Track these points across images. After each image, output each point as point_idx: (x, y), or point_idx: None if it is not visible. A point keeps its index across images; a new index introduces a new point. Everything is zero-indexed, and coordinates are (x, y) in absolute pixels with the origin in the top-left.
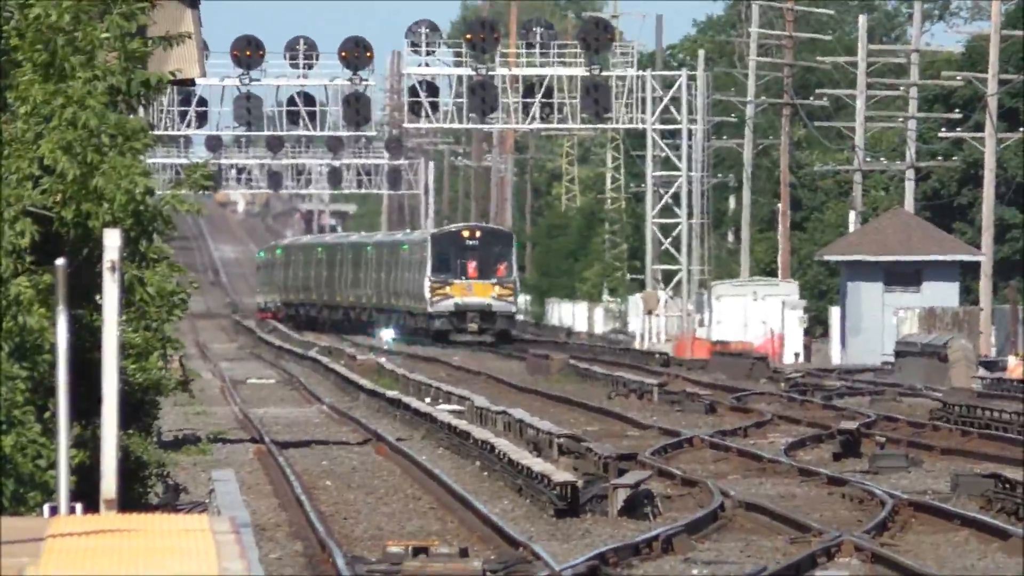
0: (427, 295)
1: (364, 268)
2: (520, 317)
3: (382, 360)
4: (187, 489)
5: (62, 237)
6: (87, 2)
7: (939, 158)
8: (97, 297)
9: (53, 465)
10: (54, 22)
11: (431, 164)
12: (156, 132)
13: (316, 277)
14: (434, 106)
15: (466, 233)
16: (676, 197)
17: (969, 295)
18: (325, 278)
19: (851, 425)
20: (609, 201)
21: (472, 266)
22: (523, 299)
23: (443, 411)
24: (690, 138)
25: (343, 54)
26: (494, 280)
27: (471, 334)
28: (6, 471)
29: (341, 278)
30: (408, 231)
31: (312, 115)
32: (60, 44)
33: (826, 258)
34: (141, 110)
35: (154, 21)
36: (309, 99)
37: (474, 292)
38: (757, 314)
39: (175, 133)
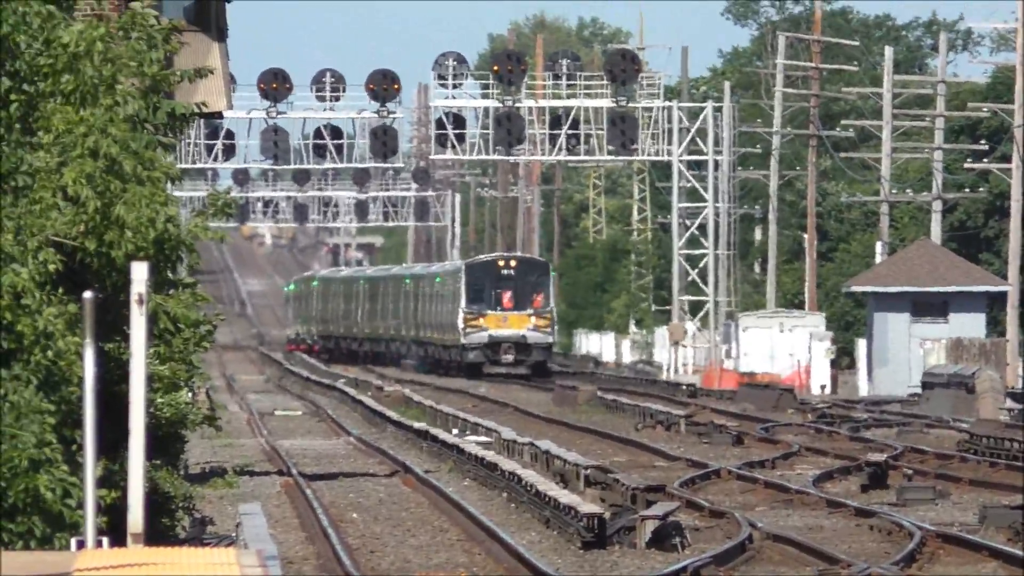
0: (460, 326)
1: (403, 300)
2: None
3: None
4: (214, 522)
5: (87, 267)
6: (112, 30)
7: (966, 189)
8: (124, 328)
9: (82, 505)
10: (83, 51)
11: (458, 196)
12: (183, 165)
13: (357, 310)
14: (460, 138)
15: (501, 263)
16: (702, 228)
17: (996, 326)
18: (367, 311)
19: (879, 457)
20: (636, 232)
21: (507, 296)
22: None
23: (470, 442)
24: (716, 169)
25: (370, 86)
26: (530, 311)
27: (505, 366)
28: (35, 510)
29: (383, 311)
30: (445, 263)
31: (339, 147)
32: (88, 74)
33: (853, 289)
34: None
35: (183, 43)
36: (336, 131)
37: (509, 323)
38: (784, 345)
39: (202, 166)
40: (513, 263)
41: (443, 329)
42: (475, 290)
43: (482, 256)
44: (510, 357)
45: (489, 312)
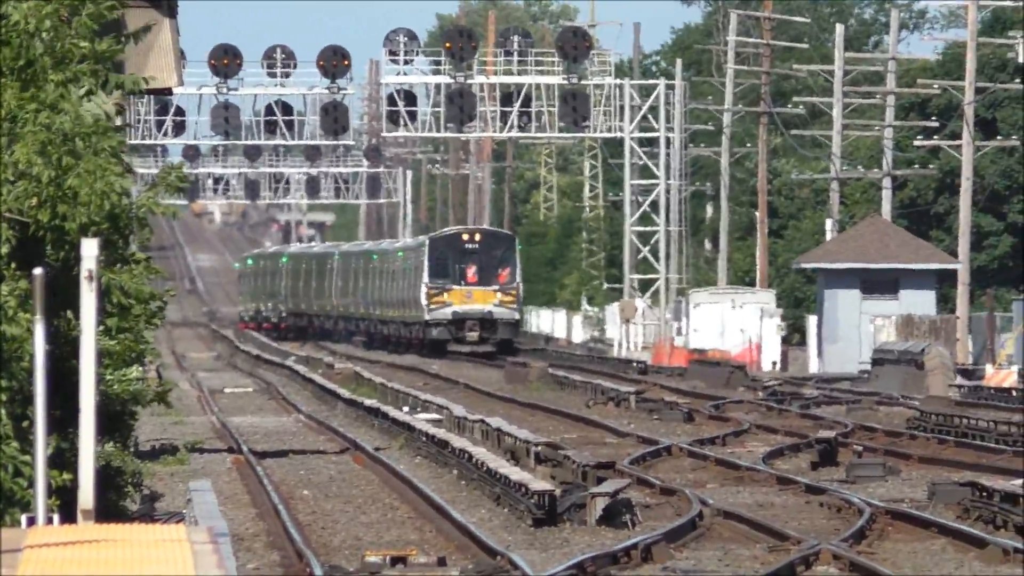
0: (423, 302)
1: (371, 277)
2: None
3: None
4: (163, 498)
5: (39, 242)
6: (61, 6)
7: (915, 166)
8: (76, 303)
9: (32, 483)
10: (33, 29)
11: (409, 173)
12: (133, 141)
13: (331, 287)
14: (412, 115)
15: (466, 236)
16: (654, 205)
17: (946, 303)
18: (340, 288)
19: (828, 434)
20: (587, 209)
21: (472, 271)
22: None
23: (421, 420)
24: (668, 146)
25: (321, 63)
26: (495, 286)
27: (470, 344)
28: None
29: (354, 287)
30: (408, 239)
31: (290, 124)
32: (39, 52)
33: (803, 266)
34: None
35: (123, 16)
36: (287, 108)
37: (474, 299)
38: (735, 322)
39: (152, 142)
40: (478, 236)
41: (405, 305)
42: (439, 264)
43: (446, 229)
44: (475, 334)
45: (453, 287)
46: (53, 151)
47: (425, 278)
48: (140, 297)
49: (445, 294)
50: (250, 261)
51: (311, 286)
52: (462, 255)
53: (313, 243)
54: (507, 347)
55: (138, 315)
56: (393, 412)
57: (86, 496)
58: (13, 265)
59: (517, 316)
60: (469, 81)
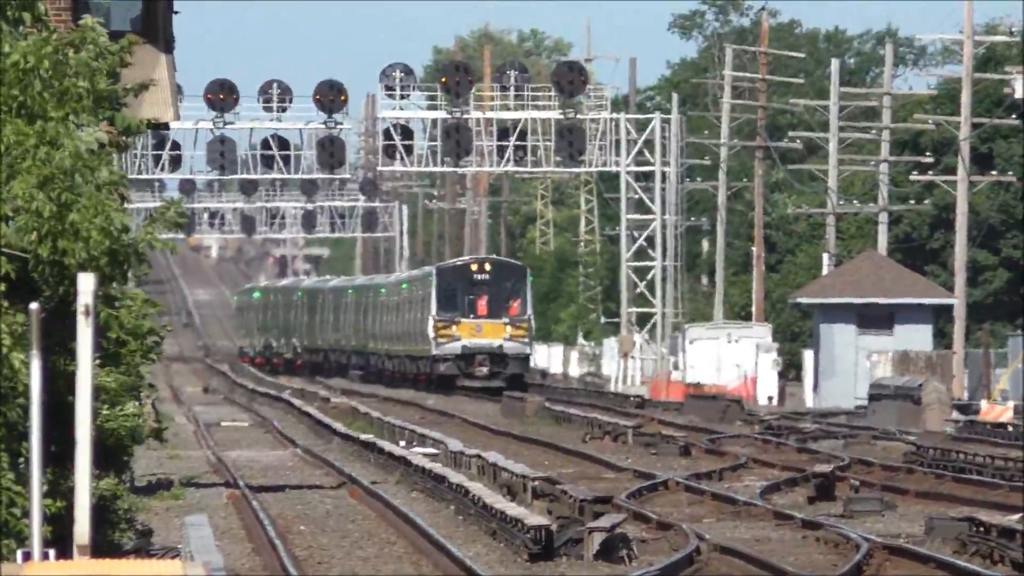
0: (431, 336)
1: (380, 310)
2: None
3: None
4: (158, 534)
5: (37, 277)
6: (62, 45)
7: (911, 201)
8: (68, 348)
9: (28, 513)
10: (32, 67)
11: (405, 207)
12: (129, 176)
13: (345, 322)
14: (408, 149)
15: (475, 267)
16: (650, 240)
17: (942, 338)
18: (352, 323)
19: (825, 468)
20: (583, 244)
21: (482, 303)
22: None
23: (417, 454)
24: (664, 181)
25: (317, 97)
26: (506, 319)
27: (480, 379)
28: None
29: (366, 321)
30: (414, 271)
31: (286, 158)
32: (37, 90)
33: (799, 301)
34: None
35: (131, 62)
36: (283, 142)
37: (484, 333)
38: (731, 357)
39: (148, 177)
40: (488, 267)
41: (412, 339)
42: (447, 296)
43: (454, 260)
44: (485, 369)
45: (462, 320)
46: (54, 186)
47: (433, 311)
48: (138, 333)
49: (454, 327)
50: (257, 294)
51: (327, 320)
52: (471, 286)
53: (328, 276)
54: (518, 382)
55: (134, 350)
56: (389, 446)
57: (82, 531)
58: (6, 303)
59: (529, 351)
60: (465, 116)
